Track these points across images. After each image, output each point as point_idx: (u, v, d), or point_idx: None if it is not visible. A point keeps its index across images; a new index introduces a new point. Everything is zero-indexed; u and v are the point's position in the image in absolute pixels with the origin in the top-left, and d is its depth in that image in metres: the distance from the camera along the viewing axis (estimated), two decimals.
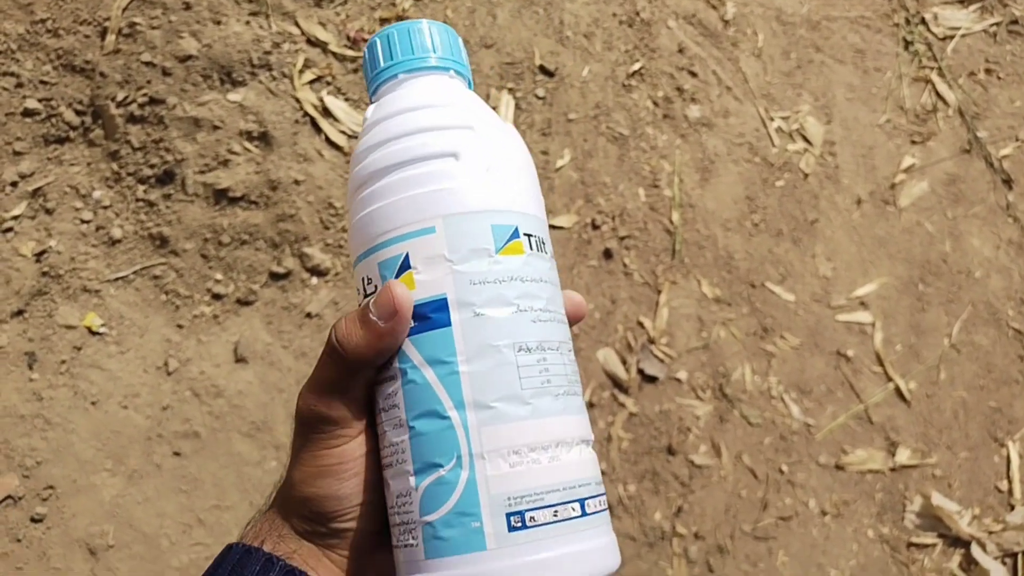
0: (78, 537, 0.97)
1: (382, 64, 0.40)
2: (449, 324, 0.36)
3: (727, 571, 1.10)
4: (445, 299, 0.36)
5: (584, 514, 0.35)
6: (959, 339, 1.28)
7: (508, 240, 0.37)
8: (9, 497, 0.96)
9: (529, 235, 0.38)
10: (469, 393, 0.35)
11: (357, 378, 0.37)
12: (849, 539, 1.14)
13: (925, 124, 1.41)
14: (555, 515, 0.34)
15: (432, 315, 0.36)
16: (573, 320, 0.41)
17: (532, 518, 0.34)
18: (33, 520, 0.96)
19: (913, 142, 1.39)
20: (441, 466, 0.35)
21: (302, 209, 1.16)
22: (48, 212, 1.11)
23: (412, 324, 0.36)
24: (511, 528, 0.34)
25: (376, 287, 0.37)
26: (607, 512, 0.37)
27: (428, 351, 0.36)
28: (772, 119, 1.37)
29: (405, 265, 0.36)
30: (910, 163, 1.37)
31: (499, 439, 0.35)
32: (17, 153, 1.12)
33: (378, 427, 0.37)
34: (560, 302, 0.39)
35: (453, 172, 0.37)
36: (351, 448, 0.37)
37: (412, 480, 0.35)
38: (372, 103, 0.41)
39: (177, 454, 1.03)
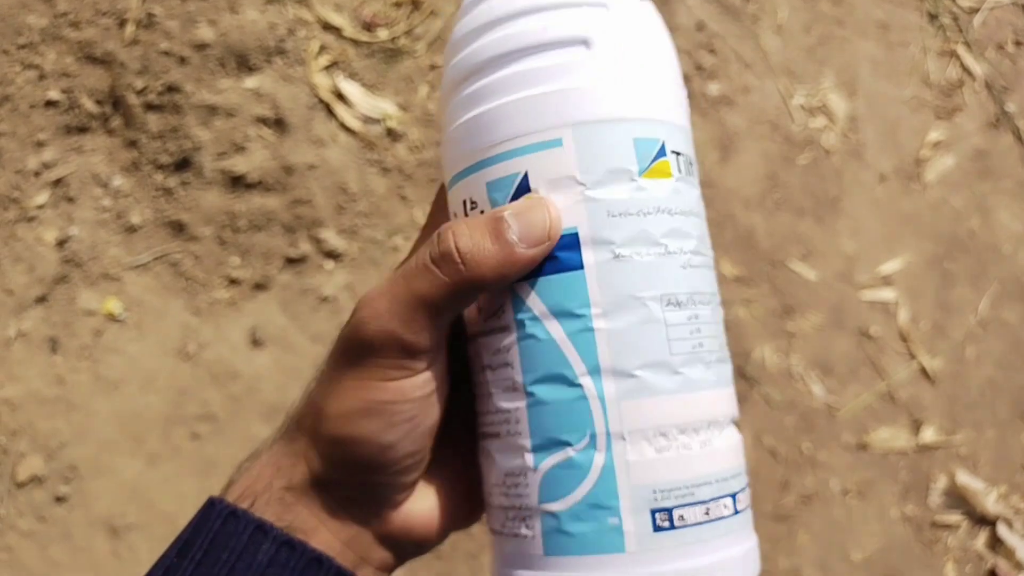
0: (100, 517, 0.99)
1: None
2: (581, 267, 0.28)
3: None
4: (576, 234, 0.28)
5: (736, 512, 0.29)
6: (986, 316, 1.25)
7: (654, 159, 0.29)
8: (34, 477, 0.98)
9: (677, 153, 0.30)
10: (607, 356, 0.28)
11: (459, 302, 0.29)
12: (872, 519, 1.13)
13: (951, 98, 1.37)
14: (707, 514, 0.28)
15: (559, 254, 0.29)
16: None
17: (681, 517, 0.28)
18: (56, 500, 0.99)
19: (939, 117, 1.36)
20: (569, 444, 0.28)
21: (317, 194, 1.17)
22: (70, 200, 1.13)
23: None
24: (656, 528, 0.28)
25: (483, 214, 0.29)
26: (750, 508, 0.31)
27: (553, 299, 0.29)
28: (793, 96, 1.35)
29: (523, 187, 0.29)
30: (936, 138, 1.34)
31: (644, 416, 0.28)
32: (40, 143, 1.14)
33: (477, 387, 0.31)
34: (709, 241, 0.31)
35: (584, 65, 0.29)
36: (409, 386, 0.30)
37: (529, 458, 0.29)
38: None
39: (195, 436, 1.05)
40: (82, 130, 1.16)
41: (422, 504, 0.32)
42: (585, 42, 0.29)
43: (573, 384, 0.28)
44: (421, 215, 1.21)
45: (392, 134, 1.23)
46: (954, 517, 1.13)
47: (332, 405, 0.30)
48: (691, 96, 1.34)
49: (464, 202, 0.30)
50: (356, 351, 0.30)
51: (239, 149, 1.17)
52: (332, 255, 1.16)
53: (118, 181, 1.15)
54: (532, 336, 0.29)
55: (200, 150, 1.16)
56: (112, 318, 1.08)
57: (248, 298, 1.14)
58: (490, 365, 0.30)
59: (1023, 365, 1.24)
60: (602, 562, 0.28)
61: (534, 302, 0.29)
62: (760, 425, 1.15)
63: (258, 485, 0.31)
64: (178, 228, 1.15)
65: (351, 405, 0.30)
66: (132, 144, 1.17)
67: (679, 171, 0.30)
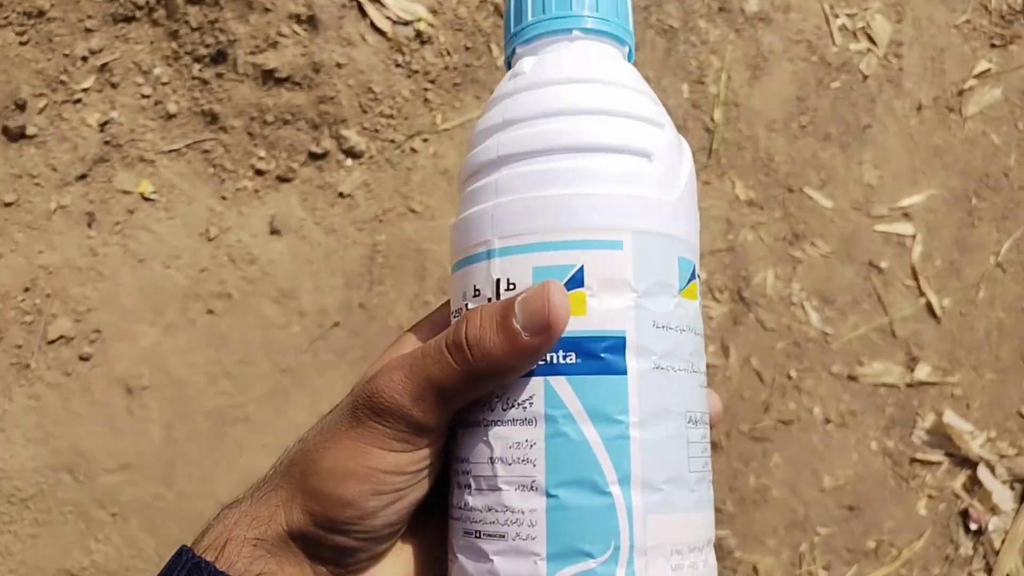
0: (118, 376, 1.10)
1: (555, 12, 0.32)
2: (624, 372, 0.28)
3: (717, 466, 1.13)
4: (623, 339, 0.28)
5: None
6: (1007, 258, 1.21)
7: (689, 280, 0.30)
8: (62, 337, 1.10)
9: (700, 278, 0.32)
10: (638, 467, 0.28)
11: (472, 390, 0.29)
12: (850, 449, 1.14)
13: (1011, 26, 1.30)
14: None
15: (605, 355, 0.28)
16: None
17: None
18: (81, 358, 1.10)
19: (993, 45, 1.29)
20: (591, 556, 0.27)
21: (342, 92, 1.22)
22: (113, 86, 1.21)
23: (575, 361, 0.28)
24: None
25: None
26: None
27: (593, 401, 0.28)
28: (837, 16, 1.30)
29: (576, 281, 0.28)
30: (985, 68, 1.28)
31: (665, 532, 0.28)
32: (88, 30, 1.22)
33: (475, 480, 0.29)
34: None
35: (647, 178, 0.30)
36: (406, 460, 0.30)
37: (542, 566, 0.28)
38: (524, 54, 0.33)
39: (211, 312, 1.14)
40: (128, 20, 1.24)
41: (390, 570, 0.33)
42: (648, 156, 0.30)
43: (603, 492, 0.27)
44: (442, 120, 1.25)
45: (421, 36, 1.26)
46: (936, 456, 1.14)
47: (326, 460, 0.30)
48: (728, 12, 1.31)
49: (502, 280, 0.29)
50: (365, 413, 0.30)
51: (272, 44, 1.23)
52: (352, 153, 1.22)
53: (158, 70, 1.23)
54: (563, 435, 0.28)
55: (235, 43, 1.22)
56: (144, 198, 1.18)
57: (271, 189, 1.21)
58: (503, 458, 0.28)
59: None
60: None
61: (571, 399, 0.28)
62: (750, 348, 1.17)
63: (232, 533, 0.31)
64: (211, 118, 1.22)
65: (344, 464, 0.30)
66: (173, 35, 1.23)
67: (701, 295, 0.31)
